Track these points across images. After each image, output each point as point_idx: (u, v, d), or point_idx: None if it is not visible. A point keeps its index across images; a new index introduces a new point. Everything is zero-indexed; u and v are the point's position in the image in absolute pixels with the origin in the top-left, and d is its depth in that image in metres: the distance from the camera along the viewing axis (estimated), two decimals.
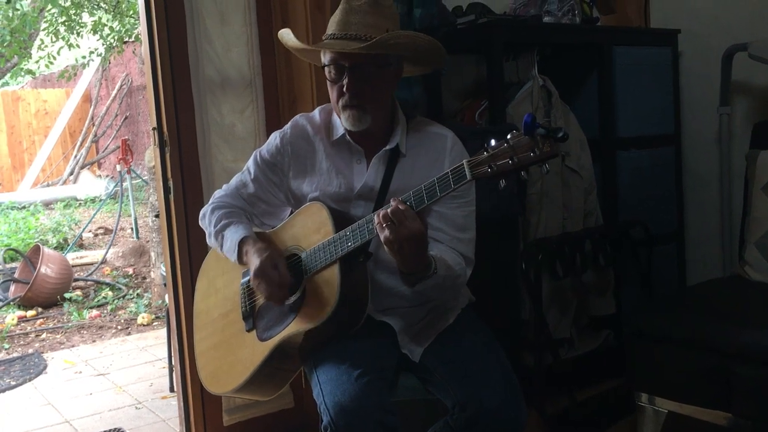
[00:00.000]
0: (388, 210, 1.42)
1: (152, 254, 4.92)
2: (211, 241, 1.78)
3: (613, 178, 2.81)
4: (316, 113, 1.79)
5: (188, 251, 2.33)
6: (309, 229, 1.64)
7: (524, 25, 2.64)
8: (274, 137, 1.78)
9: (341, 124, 1.69)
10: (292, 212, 1.79)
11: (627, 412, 2.36)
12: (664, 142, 2.96)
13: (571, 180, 2.72)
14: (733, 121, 2.83)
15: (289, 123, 1.79)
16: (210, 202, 1.81)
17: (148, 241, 5.72)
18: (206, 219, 1.78)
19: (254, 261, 1.60)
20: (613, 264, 2.75)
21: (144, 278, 5.59)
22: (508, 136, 1.32)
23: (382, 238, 1.43)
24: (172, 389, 3.20)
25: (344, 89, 1.61)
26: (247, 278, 1.73)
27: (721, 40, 2.77)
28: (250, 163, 1.79)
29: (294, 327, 1.59)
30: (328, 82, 1.67)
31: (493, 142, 1.33)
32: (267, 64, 2.45)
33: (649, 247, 2.78)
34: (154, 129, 2.34)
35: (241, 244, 1.67)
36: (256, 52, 2.42)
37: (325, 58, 1.65)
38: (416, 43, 1.65)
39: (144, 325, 4.49)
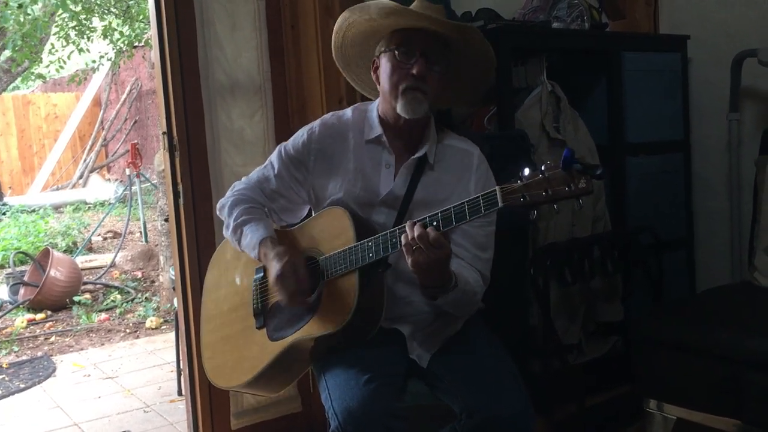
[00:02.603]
0: (417, 234, 1.41)
1: (161, 258, 4.94)
2: (228, 233, 1.76)
3: (622, 184, 2.81)
4: (348, 111, 1.79)
5: (197, 255, 2.34)
6: (330, 234, 1.64)
7: (533, 31, 2.64)
8: (302, 133, 1.77)
9: (379, 121, 1.70)
10: (311, 211, 1.79)
11: (635, 418, 2.35)
12: (674, 148, 2.95)
13: None
14: (742, 128, 2.82)
15: (319, 120, 1.78)
16: (230, 194, 1.79)
17: (156, 245, 5.74)
18: (226, 210, 1.76)
19: (275, 266, 1.59)
20: (621, 270, 2.74)
21: (153, 282, 5.61)
22: (543, 168, 1.32)
23: (410, 261, 1.43)
24: (180, 393, 3.21)
25: (412, 72, 1.60)
26: (260, 274, 1.73)
27: (730, 46, 2.77)
28: (274, 157, 1.78)
29: (306, 331, 1.59)
30: (388, 67, 1.64)
31: (526, 171, 1.33)
32: (276, 69, 2.46)
33: (657, 254, 2.77)
34: (164, 133, 2.35)
35: (262, 244, 1.67)
36: (266, 57, 2.43)
37: (395, 39, 1.65)
38: (486, 49, 1.69)
39: (152, 329, 4.50)
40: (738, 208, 2.81)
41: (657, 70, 2.88)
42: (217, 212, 1.82)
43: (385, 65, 1.66)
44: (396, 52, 1.64)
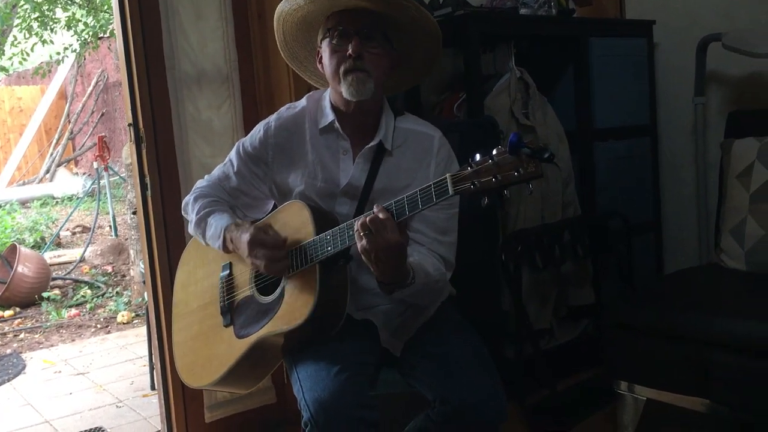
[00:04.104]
0: (368, 219, 1.40)
1: (131, 252, 4.88)
2: (192, 228, 1.75)
3: (590, 169, 2.83)
4: (303, 101, 1.77)
5: (167, 248, 2.31)
6: (290, 229, 1.62)
7: (501, 18, 2.64)
8: (258, 128, 1.75)
9: (331, 108, 1.68)
10: (275, 206, 1.77)
11: (606, 400, 2.38)
12: (641, 132, 2.99)
13: (550, 171, 2.73)
14: (708, 111, 2.86)
15: (274, 114, 1.77)
16: (192, 191, 1.78)
17: (126, 239, 5.67)
18: (189, 207, 1.75)
19: (243, 237, 1.58)
20: (591, 254, 2.78)
21: (123, 276, 5.54)
22: (493, 152, 1.30)
23: (359, 247, 1.42)
24: (153, 387, 3.18)
25: (349, 53, 1.59)
26: (226, 272, 1.72)
27: (695, 31, 2.80)
28: (233, 154, 1.77)
29: (271, 327, 1.58)
30: (328, 53, 1.63)
31: (477, 157, 1.31)
32: (244, 59, 2.43)
33: (626, 237, 2.80)
34: (130, 125, 2.32)
35: (226, 230, 1.65)
36: (233, 47, 2.40)
37: (329, 24, 1.63)
38: (426, 20, 1.66)
39: (124, 323, 4.45)
40: (704, 191, 2.85)
41: (624, 56, 2.90)
42: (182, 211, 1.80)
43: (325, 51, 1.65)
44: (331, 36, 1.62)
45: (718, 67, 2.84)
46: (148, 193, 2.30)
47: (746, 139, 2.35)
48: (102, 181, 6.42)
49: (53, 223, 7.47)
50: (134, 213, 3.26)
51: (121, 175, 6.90)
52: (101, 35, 8.72)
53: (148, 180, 2.30)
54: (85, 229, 7.22)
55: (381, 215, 1.40)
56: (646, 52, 2.96)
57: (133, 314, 4.55)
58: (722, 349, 1.91)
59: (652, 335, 2.07)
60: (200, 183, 1.80)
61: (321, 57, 1.69)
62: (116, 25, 2.32)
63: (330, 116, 1.69)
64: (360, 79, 1.60)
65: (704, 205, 2.85)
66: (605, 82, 2.83)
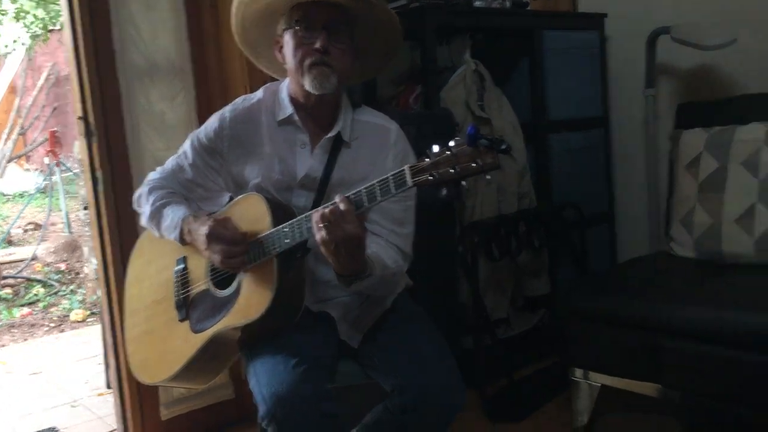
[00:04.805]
0: (327, 210, 1.40)
1: (85, 249, 4.78)
2: (146, 221, 1.71)
3: (545, 161, 2.87)
4: (259, 93, 1.74)
5: (120, 244, 2.27)
6: (247, 221, 1.60)
7: (456, 10, 2.66)
8: (213, 120, 1.72)
9: (290, 101, 1.66)
10: (231, 198, 1.75)
11: (563, 387, 2.42)
12: (594, 124, 3.04)
13: (505, 163, 2.76)
14: (658, 103, 2.91)
15: (229, 105, 1.74)
16: (145, 183, 1.74)
17: (80, 236, 5.56)
18: (142, 199, 1.72)
19: (201, 229, 1.55)
20: (547, 245, 2.82)
21: (77, 274, 5.43)
22: (451, 144, 1.30)
23: (317, 238, 1.40)
24: (109, 386, 3.13)
25: (316, 47, 1.57)
26: (181, 266, 1.69)
27: (645, 24, 2.85)
28: (187, 146, 1.73)
29: (228, 321, 1.56)
30: (292, 44, 1.61)
31: (435, 149, 1.32)
32: (197, 51, 2.40)
33: (581, 227, 2.85)
34: (80, 118, 2.27)
35: (183, 221, 1.62)
36: (185, 38, 2.36)
37: (295, 15, 1.61)
38: (388, 15, 1.66)
39: (78, 322, 4.37)
40: (655, 181, 2.91)
41: (577, 48, 2.95)
42: (133, 204, 1.77)
43: (288, 42, 1.62)
44: (297, 27, 1.60)
45: (668, 60, 2.90)
46: (100, 187, 2.26)
47: (694, 130, 2.40)
48: (54, 177, 6.28)
49: (4, 220, 7.28)
50: (86, 208, 3.19)
51: (74, 171, 6.75)
52: (51, 27, 8.51)
53: (99, 174, 2.25)
54: (37, 227, 7.04)
55: (342, 206, 1.39)
56: (598, 44, 3.01)
57: (88, 312, 4.47)
58: (672, 335, 1.96)
59: (605, 323, 2.11)
60: (153, 175, 1.76)
61: (281, 47, 1.67)
62: (64, 16, 2.26)
63: (288, 109, 1.68)
64: (324, 74, 1.58)
65: (655, 195, 2.91)
66: (559, 75, 2.87)
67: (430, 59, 2.51)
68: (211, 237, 1.54)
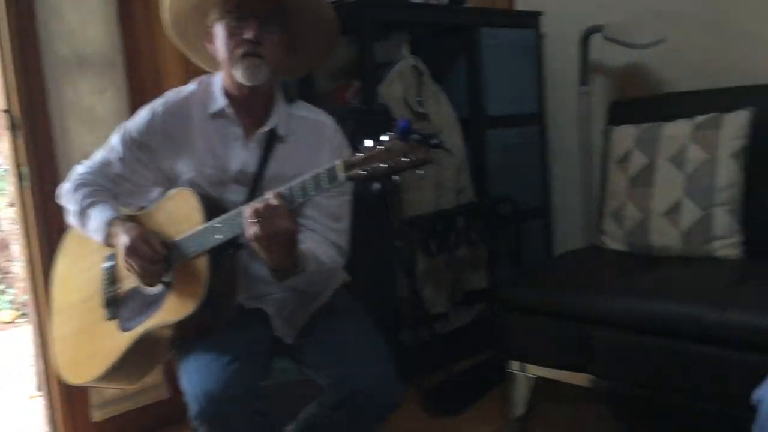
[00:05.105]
0: (258, 205, 1.38)
1: (14, 248, 4.61)
2: (72, 219, 1.66)
3: (483, 156, 2.90)
4: (192, 85, 1.71)
5: (47, 241, 2.20)
6: (178, 217, 1.57)
7: (394, 5, 2.66)
8: (143, 113, 1.68)
9: (223, 93, 1.64)
10: (163, 193, 1.71)
11: (500, 380, 2.45)
12: (530, 120, 3.08)
13: (444, 158, 2.78)
14: (592, 100, 2.97)
15: (161, 98, 1.70)
16: (71, 178, 1.69)
17: (9, 234, 5.35)
18: (68, 196, 1.66)
19: (123, 239, 1.52)
20: (484, 239, 2.85)
21: (7, 273, 5.23)
22: (384, 138, 1.30)
23: (249, 233, 1.39)
24: (40, 388, 3.03)
25: (247, 37, 1.55)
26: (110, 263, 1.65)
27: (579, 23, 2.90)
28: (116, 140, 1.68)
29: (158, 318, 1.53)
30: (223, 35, 1.58)
31: (368, 143, 1.32)
32: (129, 42, 2.33)
33: (517, 222, 2.89)
34: (4, 111, 2.18)
35: (110, 224, 1.58)
36: (116, 30, 2.30)
37: (226, 5, 1.58)
38: (324, 9, 1.65)
39: (8, 323, 4.21)
40: (589, 177, 2.97)
41: (513, 46, 2.99)
42: (57, 198, 1.71)
43: (220, 33, 1.60)
44: (229, 18, 1.58)
45: (601, 58, 2.96)
46: (25, 183, 2.18)
47: (625, 127, 2.46)
48: None
49: None
50: (11, 205, 3.08)
51: (4, 167, 6.50)
52: None
53: (24, 170, 2.17)
54: None
55: (273, 201, 1.38)
56: (534, 42, 3.06)
57: (19, 313, 4.31)
58: (602, 325, 2.00)
59: (538, 315, 2.15)
60: (79, 169, 1.70)
61: (213, 38, 1.64)
62: None
63: (221, 101, 1.65)
64: (256, 64, 1.57)
65: (589, 190, 2.98)
66: (496, 72, 2.90)
67: (367, 55, 2.51)
68: (130, 251, 1.51)
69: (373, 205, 2.40)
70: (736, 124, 2.22)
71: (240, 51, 1.56)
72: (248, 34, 1.55)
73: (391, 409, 1.58)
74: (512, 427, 2.28)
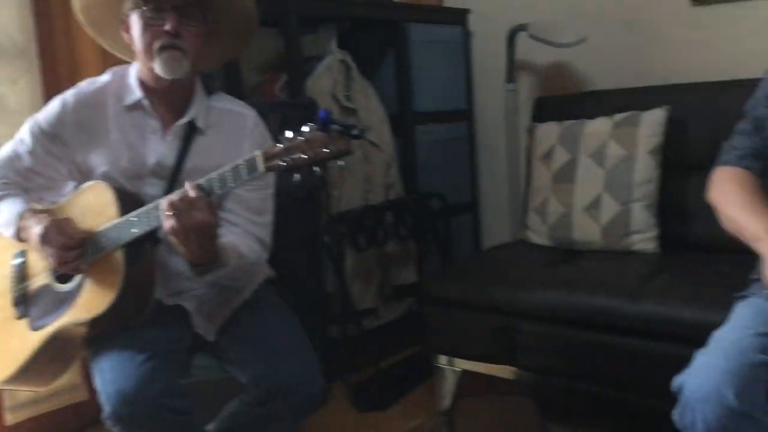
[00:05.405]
0: (175, 198, 1.35)
1: None
2: None
3: (412, 152, 2.92)
4: (106, 76, 1.65)
5: None
6: (92, 211, 1.52)
7: None
8: (54, 104, 1.62)
9: (139, 85, 1.59)
10: (77, 187, 1.65)
11: (428, 374, 2.47)
12: (459, 117, 3.12)
13: (372, 154, 2.78)
14: (518, 97, 3.02)
15: (73, 89, 1.64)
16: None
17: None
18: None
19: (36, 229, 1.46)
20: (413, 234, 2.86)
21: None
22: (304, 129, 1.29)
23: (166, 226, 1.36)
24: None
25: (166, 29, 1.50)
26: (19, 260, 1.58)
27: (506, 21, 2.94)
28: (25, 132, 1.61)
29: (71, 316, 1.48)
30: (140, 26, 1.53)
31: (288, 134, 1.30)
32: (43, 29, 2.23)
33: (446, 217, 2.92)
34: None
35: (20, 217, 1.52)
36: (29, 15, 2.20)
37: None
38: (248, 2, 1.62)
39: None
40: (515, 172, 3.02)
41: (442, 42, 3.01)
42: None
43: (136, 24, 1.55)
44: (145, 8, 1.53)
45: (527, 56, 3.02)
46: None
47: (548, 124, 2.52)
48: None
49: None
50: None
51: None
52: None
53: None
54: None
55: (191, 193, 1.35)
56: (462, 39, 3.09)
57: None
58: (524, 318, 2.04)
59: (464, 309, 2.18)
60: None
61: (128, 27, 1.58)
62: None
63: (137, 93, 1.60)
64: (176, 58, 1.52)
65: (515, 185, 3.03)
66: (424, 68, 2.92)
67: (294, 48, 2.48)
68: (44, 239, 1.45)
69: (302, 200, 2.38)
70: (653, 122, 2.30)
71: (159, 43, 1.52)
72: (168, 26, 1.51)
73: (314, 404, 1.57)
74: (438, 420, 2.30)
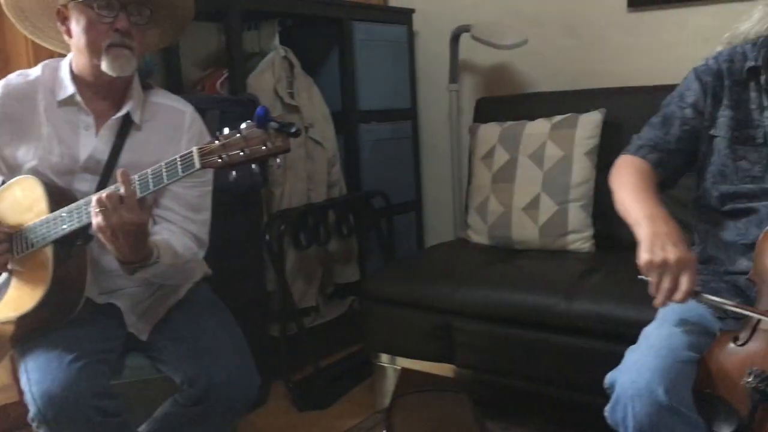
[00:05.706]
0: (104, 194, 1.32)
1: None
2: None
3: (355, 150, 2.92)
4: (37, 69, 1.60)
5: None
6: (21, 207, 1.48)
7: None
8: None
9: (72, 79, 1.55)
10: (4, 182, 1.60)
11: (368, 372, 2.48)
12: (403, 116, 3.13)
13: (315, 152, 2.77)
14: (461, 98, 3.06)
15: (1, 81, 1.59)
16: None
17: None
18: None
19: None
20: (356, 233, 2.86)
21: None
22: (242, 126, 1.28)
23: (93, 224, 1.33)
24: None
25: (115, 27, 1.47)
26: None
27: (449, 21, 2.97)
28: None
29: None
30: (84, 22, 1.49)
31: (226, 131, 1.29)
32: None
33: (389, 216, 2.93)
34: None
35: None
36: None
37: None
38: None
39: None
40: (458, 172, 3.06)
41: (386, 41, 3.02)
42: None
43: (79, 18, 1.51)
44: (94, 4, 1.49)
45: (470, 57, 3.05)
46: None
47: (489, 124, 2.55)
48: None
49: None
50: None
51: None
52: None
53: None
54: None
55: (120, 190, 1.32)
56: (406, 39, 3.10)
57: None
58: (462, 317, 2.07)
59: (403, 307, 2.20)
60: None
61: (65, 18, 1.54)
62: None
63: (70, 88, 1.56)
64: (125, 56, 1.50)
65: (458, 185, 3.06)
66: (369, 66, 2.92)
67: (235, 43, 2.46)
68: None
69: (243, 198, 2.36)
70: (590, 124, 2.35)
71: (107, 41, 1.49)
72: (119, 25, 1.48)
73: (249, 404, 1.56)
74: (377, 419, 2.31)
